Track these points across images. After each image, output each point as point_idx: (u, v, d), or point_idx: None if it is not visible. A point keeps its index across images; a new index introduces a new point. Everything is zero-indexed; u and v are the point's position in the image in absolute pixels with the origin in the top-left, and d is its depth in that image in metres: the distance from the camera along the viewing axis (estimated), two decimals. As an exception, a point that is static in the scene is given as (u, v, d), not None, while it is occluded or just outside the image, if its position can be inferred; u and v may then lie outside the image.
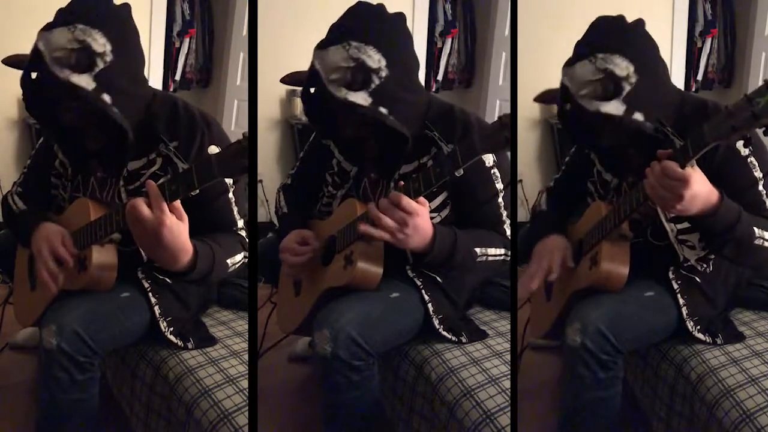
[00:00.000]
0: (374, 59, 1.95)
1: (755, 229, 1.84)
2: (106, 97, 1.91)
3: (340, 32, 1.98)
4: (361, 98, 1.95)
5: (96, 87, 1.90)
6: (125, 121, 1.94)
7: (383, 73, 1.96)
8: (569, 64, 1.94)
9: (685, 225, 1.94)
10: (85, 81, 1.90)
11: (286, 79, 2.14)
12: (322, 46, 1.99)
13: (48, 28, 1.93)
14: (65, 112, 1.97)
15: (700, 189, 1.73)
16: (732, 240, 1.83)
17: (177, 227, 1.78)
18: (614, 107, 1.88)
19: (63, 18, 1.93)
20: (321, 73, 1.96)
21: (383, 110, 1.96)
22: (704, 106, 1.97)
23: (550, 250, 2.07)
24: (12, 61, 2.02)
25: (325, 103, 2.00)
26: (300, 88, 3.62)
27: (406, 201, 1.85)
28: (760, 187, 1.92)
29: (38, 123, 2.13)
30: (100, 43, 1.91)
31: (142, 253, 2.02)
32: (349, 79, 1.95)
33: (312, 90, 2.01)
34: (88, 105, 1.92)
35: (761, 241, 1.85)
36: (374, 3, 2.03)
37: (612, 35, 1.92)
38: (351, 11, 2.02)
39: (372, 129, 2.02)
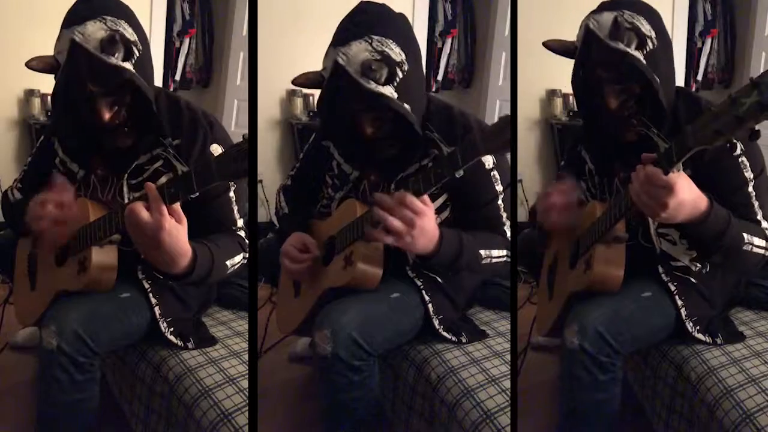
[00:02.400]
0: (396, 52, 1.94)
1: (744, 234, 1.82)
2: (147, 85, 1.91)
3: (359, 27, 1.96)
4: (389, 92, 1.93)
5: (136, 74, 1.90)
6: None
7: (405, 67, 1.95)
8: (597, 11, 1.93)
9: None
10: (129, 67, 1.90)
11: (299, 81, 2.10)
12: (340, 43, 1.96)
13: (74, 23, 1.90)
14: (109, 106, 1.93)
15: (686, 196, 1.69)
16: (721, 247, 1.81)
17: (176, 231, 1.77)
18: (638, 54, 1.87)
19: (83, 13, 1.92)
20: (347, 67, 1.93)
21: (407, 106, 1.95)
22: (698, 103, 1.96)
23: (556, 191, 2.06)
24: (35, 65, 1.99)
25: (350, 100, 1.97)
26: (297, 88, 3.63)
27: (412, 200, 1.82)
28: (750, 188, 1.90)
29: (61, 127, 2.08)
30: (129, 32, 1.92)
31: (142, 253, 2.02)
32: (377, 72, 1.92)
33: (333, 87, 1.97)
34: (133, 95, 1.92)
35: (750, 246, 1.83)
36: (378, 2, 2.03)
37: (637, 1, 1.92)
38: (360, 9, 2.00)
39: (391, 127, 2.00)
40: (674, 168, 1.65)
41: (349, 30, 1.97)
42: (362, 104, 1.97)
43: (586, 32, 1.93)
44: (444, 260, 1.95)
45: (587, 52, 1.93)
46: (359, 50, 1.93)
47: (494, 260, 2.02)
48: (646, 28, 1.88)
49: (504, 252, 2.03)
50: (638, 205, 1.73)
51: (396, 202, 1.83)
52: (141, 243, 1.80)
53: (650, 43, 1.88)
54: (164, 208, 1.74)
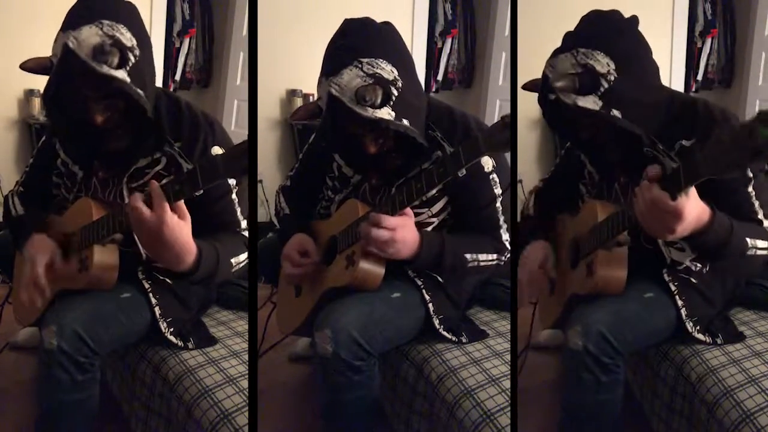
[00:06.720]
0: (387, 71, 1.93)
1: (748, 240, 1.83)
2: (141, 93, 1.91)
3: (347, 52, 1.95)
4: (386, 114, 1.93)
5: (131, 82, 1.89)
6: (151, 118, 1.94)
7: (399, 83, 1.94)
8: (554, 54, 1.92)
9: None
10: (121, 75, 1.88)
11: (299, 115, 2.14)
12: (332, 73, 1.94)
13: (70, 27, 1.89)
14: (101, 110, 1.92)
15: (693, 216, 1.68)
16: (725, 254, 1.81)
17: (178, 226, 1.77)
18: (591, 102, 1.85)
19: (81, 17, 1.90)
20: (342, 98, 1.91)
21: (406, 121, 1.95)
22: (693, 105, 1.96)
23: (531, 260, 2.10)
24: (30, 66, 1.99)
25: (350, 127, 1.97)
26: (298, 88, 3.63)
27: (386, 220, 1.89)
28: (750, 188, 1.90)
29: (57, 128, 2.08)
30: (127, 37, 1.90)
31: (143, 253, 2.02)
32: (372, 97, 1.91)
33: (332, 117, 1.97)
34: (127, 100, 1.91)
35: (754, 251, 1.84)
36: (361, 18, 2.01)
37: (599, 31, 1.90)
38: (344, 31, 1.99)
39: (394, 142, 2.00)
40: (682, 193, 1.62)
41: (337, 57, 1.96)
42: (362, 129, 1.97)
43: (543, 78, 1.92)
44: (425, 262, 1.97)
45: (547, 98, 1.92)
46: (351, 78, 1.92)
47: (482, 264, 2.02)
48: (602, 63, 1.86)
49: (494, 256, 2.04)
50: (643, 225, 1.72)
51: (372, 225, 1.89)
52: (144, 240, 1.81)
53: (605, 82, 1.85)
54: (166, 204, 1.74)
